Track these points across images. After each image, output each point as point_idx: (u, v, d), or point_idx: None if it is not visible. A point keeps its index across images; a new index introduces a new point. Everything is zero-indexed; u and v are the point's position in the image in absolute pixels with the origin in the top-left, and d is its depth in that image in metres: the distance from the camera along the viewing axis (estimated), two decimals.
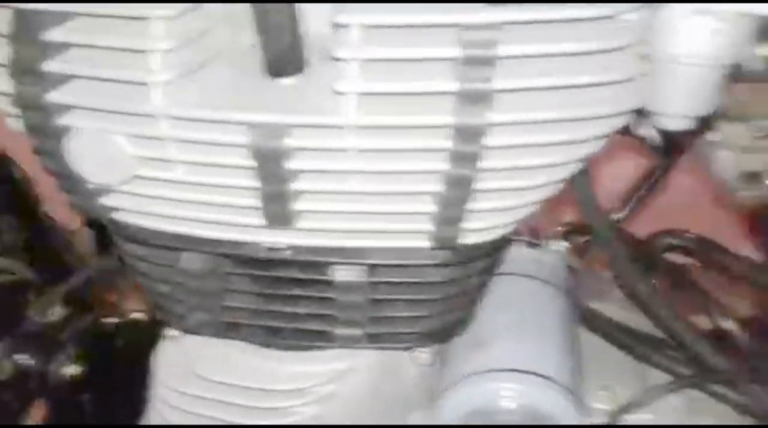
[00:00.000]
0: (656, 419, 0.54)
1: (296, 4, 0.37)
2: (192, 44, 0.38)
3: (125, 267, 0.51)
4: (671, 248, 0.66)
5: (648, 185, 0.74)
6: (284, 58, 0.39)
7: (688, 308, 0.61)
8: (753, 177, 0.47)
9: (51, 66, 0.38)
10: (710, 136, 0.46)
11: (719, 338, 0.57)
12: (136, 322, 0.70)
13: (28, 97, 0.39)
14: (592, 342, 0.59)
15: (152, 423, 0.54)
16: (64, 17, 0.38)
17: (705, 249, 0.63)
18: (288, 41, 0.38)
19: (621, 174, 0.74)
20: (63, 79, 0.39)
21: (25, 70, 0.38)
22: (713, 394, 0.52)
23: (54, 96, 0.39)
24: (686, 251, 0.65)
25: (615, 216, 0.74)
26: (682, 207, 0.82)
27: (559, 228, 0.64)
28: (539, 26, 0.35)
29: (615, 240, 0.52)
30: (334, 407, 0.50)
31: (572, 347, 0.54)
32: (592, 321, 0.59)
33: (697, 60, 0.31)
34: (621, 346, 0.57)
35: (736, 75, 0.38)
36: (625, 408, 0.52)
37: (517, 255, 0.58)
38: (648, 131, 0.47)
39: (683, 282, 0.63)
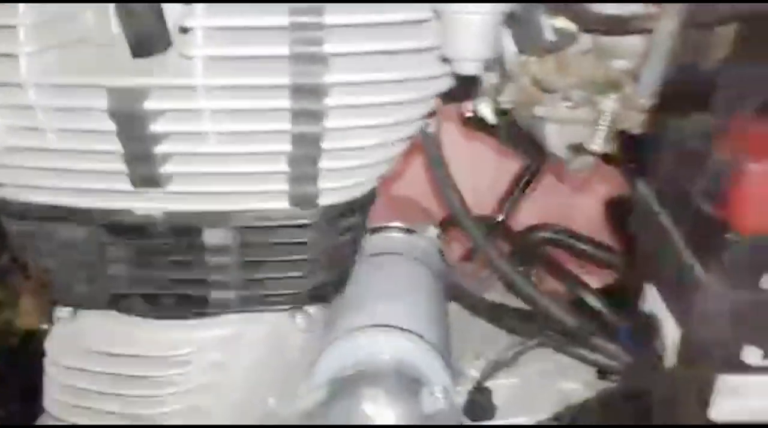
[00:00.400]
0: (522, 382, 0.59)
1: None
2: (58, 23, 0.43)
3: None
4: (545, 240, 0.72)
5: (521, 186, 0.82)
6: (149, 40, 0.44)
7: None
8: (577, 148, 0.53)
9: None
10: (537, 112, 0.52)
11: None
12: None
13: None
14: (468, 318, 0.65)
15: (48, 407, 0.56)
16: None
17: (570, 239, 0.70)
18: (152, 24, 0.44)
19: (501, 178, 0.82)
20: None
21: None
22: (570, 354, 0.57)
23: None
24: (555, 242, 0.71)
25: (497, 216, 0.83)
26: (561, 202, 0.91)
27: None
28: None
29: (483, 235, 0.58)
30: (223, 375, 0.53)
31: (441, 317, 0.58)
32: (463, 298, 0.64)
33: (476, 9, 0.37)
34: (491, 320, 0.63)
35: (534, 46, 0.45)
36: (492, 368, 0.57)
37: (391, 239, 0.64)
38: (482, 110, 0.54)
39: (554, 269, 0.69)
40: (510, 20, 0.43)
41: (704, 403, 0.40)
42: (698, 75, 0.45)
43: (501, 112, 0.55)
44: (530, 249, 0.71)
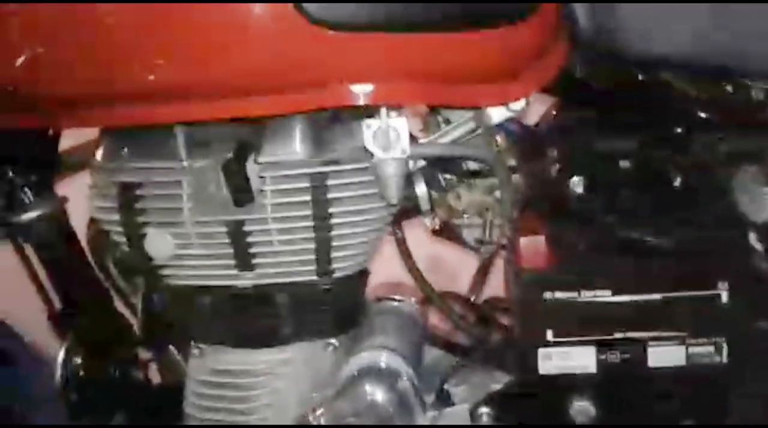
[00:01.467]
0: (470, 389, 0.94)
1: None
2: (201, 190, 0.87)
3: None
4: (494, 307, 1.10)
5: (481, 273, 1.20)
6: (242, 198, 0.86)
7: None
8: (480, 241, 0.93)
9: None
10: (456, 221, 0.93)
11: None
12: None
13: None
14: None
15: (186, 410, 0.94)
16: None
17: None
18: (243, 189, 0.86)
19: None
20: None
21: None
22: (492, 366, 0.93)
23: None
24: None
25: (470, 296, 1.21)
26: None
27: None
28: None
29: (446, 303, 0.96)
30: (286, 383, 0.90)
31: (416, 348, 0.96)
32: (435, 341, 1.02)
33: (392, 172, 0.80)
34: (452, 352, 1.00)
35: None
36: (445, 378, 0.93)
37: (386, 304, 1.02)
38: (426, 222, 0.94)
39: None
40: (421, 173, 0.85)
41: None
42: None
43: (444, 223, 0.96)
44: (486, 313, 1.08)
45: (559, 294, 0.74)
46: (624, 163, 0.80)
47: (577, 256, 0.75)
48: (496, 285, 1.12)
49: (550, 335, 0.75)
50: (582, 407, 0.77)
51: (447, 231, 0.99)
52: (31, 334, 1.28)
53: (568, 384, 0.76)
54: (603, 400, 0.77)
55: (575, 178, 0.80)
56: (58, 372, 0.92)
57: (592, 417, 0.77)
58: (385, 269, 1.10)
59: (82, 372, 0.94)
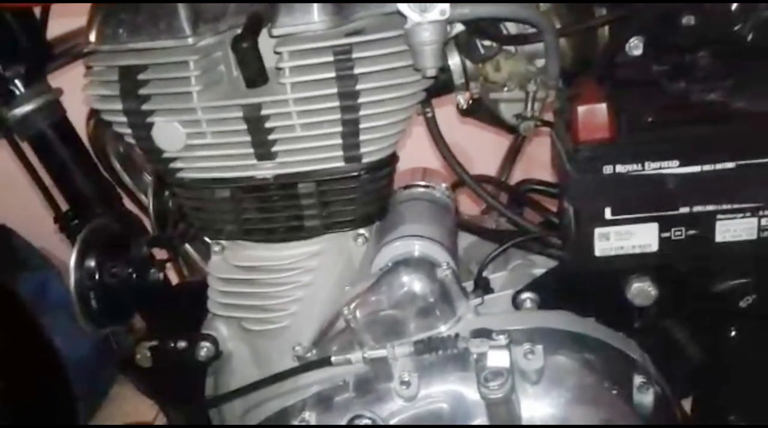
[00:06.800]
0: (507, 273, 0.89)
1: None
2: (209, 73, 0.77)
3: None
4: (529, 189, 1.03)
5: (511, 155, 1.13)
6: (256, 78, 0.78)
7: None
8: (520, 116, 0.84)
9: None
10: (492, 96, 0.84)
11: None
12: None
13: None
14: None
15: (210, 308, 0.89)
16: None
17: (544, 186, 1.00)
18: (257, 68, 0.77)
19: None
20: None
21: None
22: (533, 250, 0.87)
23: None
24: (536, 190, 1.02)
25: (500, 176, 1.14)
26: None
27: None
28: None
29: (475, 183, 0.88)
30: (315, 277, 0.85)
31: (450, 233, 0.89)
32: (466, 225, 0.95)
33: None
34: (485, 237, 0.94)
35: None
36: (486, 261, 0.87)
37: (416, 191, 0.95)
38: (459, 100, 0.86)
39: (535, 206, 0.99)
40: (456, 43, 0.75)
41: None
42: None
43: (475, 100, 0.87)
44: (520, 195, 1.02)
45: (620, 168, 0.67)
46: (688, 20, 0.70)
47: (641, 125, 0.67)
48: (523, 169, 1.06)
49: (608, 213, 0.69)
50: (641, 288, 0.72)
51: (478, 111, 0.90)
52: (39, 239, 1.23)
53: (626, 265, 0.70)
54: (664, 281, 0.71)
55: (633, 40, 0.71)
56: (72, 278, 0.86)
57: (653, 298, 0.72)
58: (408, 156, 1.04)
59: (96, 277, 0.88)
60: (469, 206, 1.08)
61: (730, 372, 0.75)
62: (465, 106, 0.87)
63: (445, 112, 0.91)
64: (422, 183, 0.97)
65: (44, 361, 1.25)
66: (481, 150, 1.22)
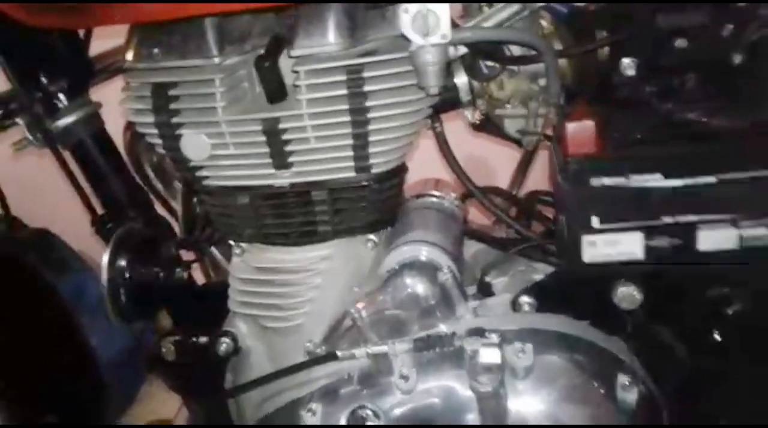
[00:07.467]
0: (508, 279, 0.94)
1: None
2: (233, 90, 0.85)
3: None
4: (537, 200, 1.08)
5: (522, 167, 1.18)
6: (275, 94, 0.84)
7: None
8: (523, 132, 0.89)
9: None
10: (498, 112, 0.90)
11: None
12: None
13: None
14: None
15: (230, 306, 0.95)
16: None
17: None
18: (276, 86, 0.84)
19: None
20: None
21: None
22: (534, 257, 0.92)
23: None
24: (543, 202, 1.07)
25: (513, 190, 1.19)
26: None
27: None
28: None
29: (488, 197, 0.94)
30: (327, 279, 0.91)
31: (456, 241, 0.95)
32: (475, 235, 1.01)
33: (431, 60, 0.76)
34: (490, 244, 0.99)
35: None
36: (488, 267, 0.92)
37: (425, 200, 1.01)
38: (467, 115, 0.91)
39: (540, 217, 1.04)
40: (462, 63, 0.81)
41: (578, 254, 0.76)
42: None
43: (484, 116, 0.93)
44: (527, 206, 1.07)
45: (606, 180, 0.72)
46: (680, 43, 0.75)
47: (627, 141, 0.72)
48: (536, 180, 1.11)
49: (595, 222, 0.74)
50: (627, 293, 0.76)
51: (487, 126, 0.96)
52: (76, 242, 1.32)
53: (612, 272, 0.75)
54: (649, 285, 0.76)
55: (626, 61, 0.76)
56: (104, 276, 0.94)
57: (638, 302, 0.76)
58: (424, 167, 1.10)
59: (127, 275, 0.95)
60: (484, 218, 1.14)
61: (717, 377, 0.79)
62: (475, 122, 0.93)
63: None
64: (433, 193, 1.03)
65: (81, 360, 1.33)
66: (504, 162, 1.27)
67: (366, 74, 0.81)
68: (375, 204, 0.89)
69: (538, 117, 0.87)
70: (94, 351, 1.34)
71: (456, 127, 0.97)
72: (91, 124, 1.01)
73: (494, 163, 1.21)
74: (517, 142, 0.95)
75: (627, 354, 0.79)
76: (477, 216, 1.10)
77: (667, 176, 0.71)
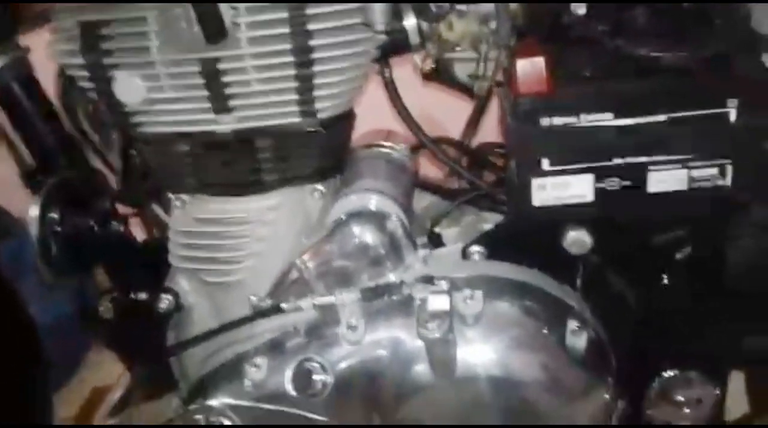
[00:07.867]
0: (461, 230, 0.92)
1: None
2: (171, 27, 0.79)
3: None
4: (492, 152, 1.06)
5: (474, 117, 1.16)
6: (215, 34, 0.80)
7: None
8: (474, 76, 0.87)
9: None
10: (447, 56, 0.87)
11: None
12: None
13: None
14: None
15: (171, 261, 0.91)
16: None
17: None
18: (216, 24, 0.79)
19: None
20: None
21: None
22: (484, 207, 0.90)
23: None
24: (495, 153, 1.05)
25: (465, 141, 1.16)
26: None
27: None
28: None
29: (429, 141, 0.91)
30: (272, 230, 0.87)
31: (405, 191, 0.92)
32: (426, 186, 0.98)
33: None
34: (439, 195, 0.97)
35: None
36: (437, 217, 0.90)
37: (375, 151, 0.98)
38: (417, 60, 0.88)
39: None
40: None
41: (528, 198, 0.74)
42: None
43: (436, 63, 0.90)
44: (479, 156, 1.04)
45: (556, 120, 0.69)
46: None
47: (577, 79, 0.70)
48: (488, 131, 1.09)
49: (545, 164, 0.72)
50: (577, 237, 0.75)
51: (438, 75, 0.93)
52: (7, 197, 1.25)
53: (562, 215, 0.73)
54: (599, 230, 0.74)
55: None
56: (34, 228, 0.88)
57: (588, 247, 0.75)
58: (375, 120, 1.07)
59: (58, 228, 0.90)
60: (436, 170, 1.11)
61: (664, 322, 0.78)
62: (426, 70, 0.90)
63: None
64: (383, 143, 1.00)
65: (18, 327, 1.27)
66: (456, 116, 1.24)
67: (309, 11, 0.77)
68: (322, 151, 0.85)
69: (488, 60, 0.84)
70: (32, 317, 1.30)
71: (407, 76, 0.94)
72: (18, 69, 0.94)
73: (445, 115, 1.18)
74: (469, 92, 0.93)
75: (576, 299, 0.78)
76: (429, 168, 1.08)
77: (617, 115, 0.69)
